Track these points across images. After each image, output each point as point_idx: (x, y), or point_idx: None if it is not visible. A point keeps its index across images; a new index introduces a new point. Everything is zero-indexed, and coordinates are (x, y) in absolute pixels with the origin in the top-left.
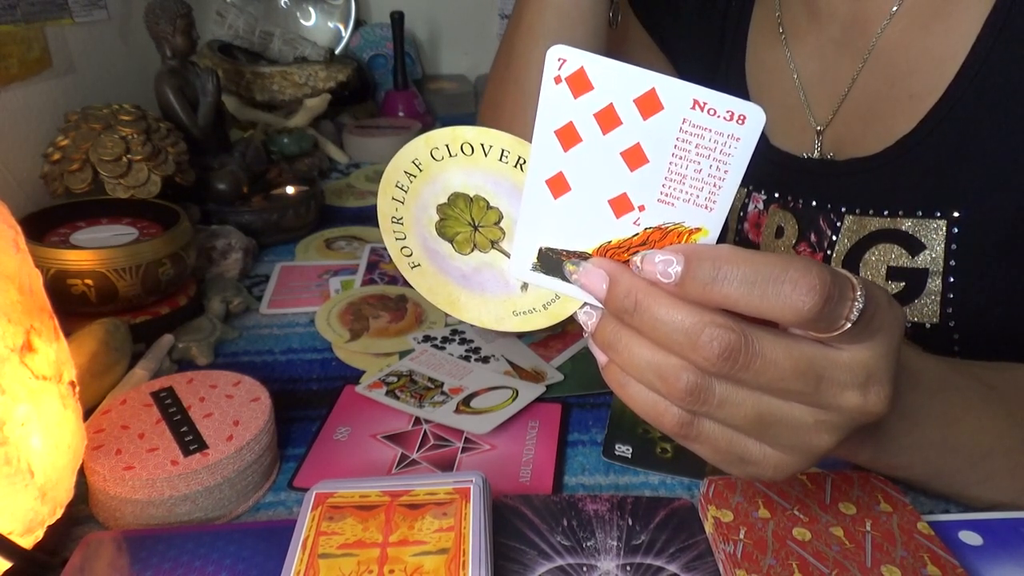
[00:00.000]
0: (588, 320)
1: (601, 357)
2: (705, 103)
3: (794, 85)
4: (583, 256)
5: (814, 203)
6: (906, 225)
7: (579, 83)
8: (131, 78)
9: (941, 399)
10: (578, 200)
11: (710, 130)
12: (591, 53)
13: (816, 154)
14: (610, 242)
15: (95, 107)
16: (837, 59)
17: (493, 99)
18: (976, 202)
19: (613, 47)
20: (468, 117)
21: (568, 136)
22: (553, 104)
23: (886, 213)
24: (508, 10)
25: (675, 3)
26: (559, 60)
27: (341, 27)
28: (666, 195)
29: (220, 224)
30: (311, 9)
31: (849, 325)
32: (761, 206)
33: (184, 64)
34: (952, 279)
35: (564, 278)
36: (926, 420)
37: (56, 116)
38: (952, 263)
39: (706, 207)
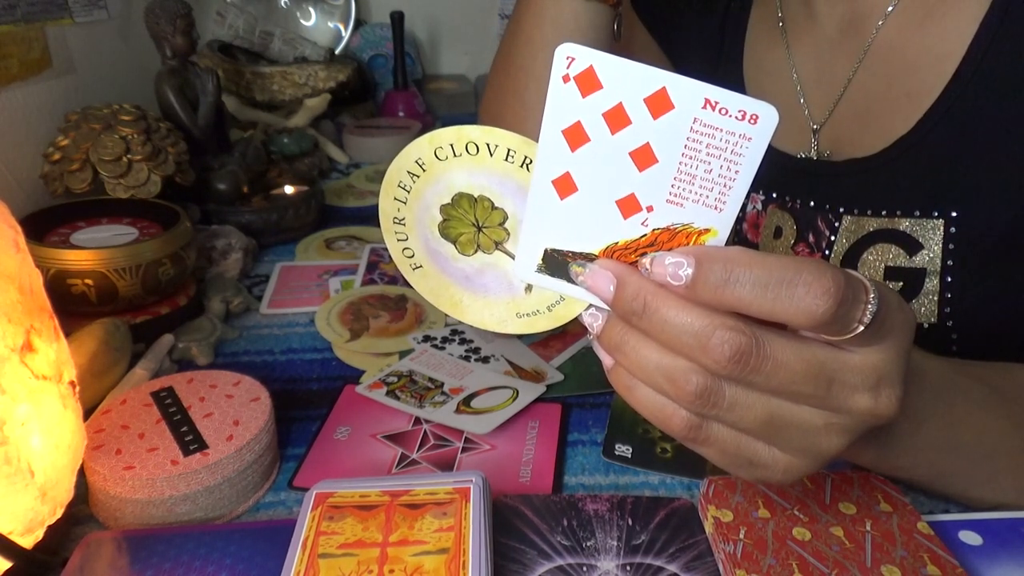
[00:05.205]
0: (594, 322)
1: (607, 359)
2: (717, 102)
3: (792, 85)
4: (589, 257)
5: (812, 204)
6: (904, 225)
7: (588, 82)
8: (131, 78)
9: (945, 400)
10: (585, 201)
11: (721, 130)
12: (600, 51)
13: (812, 153)
14: (617, 243)
15: (95, 107)
16: (834, 58)
17: (492, 109)
18: (974, 201)
19: (615, 46)
20: (468, 117)
21: (576, 136)
22: (561, 103)
23: (884, 213)
24: (508, 10)
25: (676, 2)
26: (567, 58)
27: (341, 27)
28: (675, 196)
29: (220, 224)
30: (311, 9)
31: (862, 328)
32: (760, 206)
33: (184, 64)
34: (950, 279)
35: (569, 280)
36: (930, 421)
37: (56, 116)
38: (950, 263)
39: (716, 208)
